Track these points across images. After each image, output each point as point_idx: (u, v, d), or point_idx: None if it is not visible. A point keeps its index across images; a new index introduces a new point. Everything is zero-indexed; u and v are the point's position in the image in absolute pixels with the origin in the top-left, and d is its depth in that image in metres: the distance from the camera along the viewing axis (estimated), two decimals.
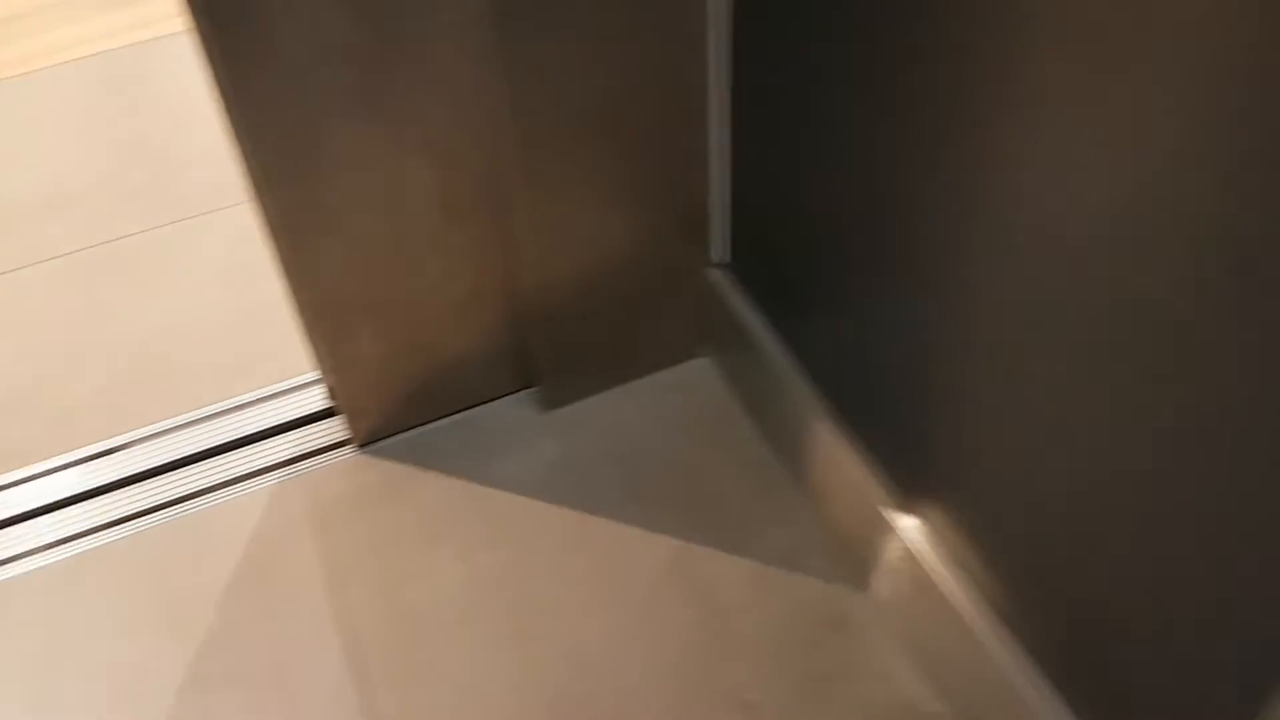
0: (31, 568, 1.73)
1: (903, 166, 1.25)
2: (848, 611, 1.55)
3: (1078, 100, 0.94)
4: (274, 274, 2.21)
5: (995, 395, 1.21)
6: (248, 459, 1.87)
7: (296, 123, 1.40)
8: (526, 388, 1.91)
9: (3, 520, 1.83)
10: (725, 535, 1.67)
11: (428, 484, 1.78)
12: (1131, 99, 0.87)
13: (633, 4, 1.42)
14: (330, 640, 1.59)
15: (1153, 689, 1.11)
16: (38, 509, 1.84)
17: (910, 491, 1.45)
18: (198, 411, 1.96)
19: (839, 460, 1.57)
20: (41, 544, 1.78)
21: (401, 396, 1.82)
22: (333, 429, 1.89)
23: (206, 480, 1.85)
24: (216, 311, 2.15)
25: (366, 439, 1.84)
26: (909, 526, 1.44)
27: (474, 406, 1.90)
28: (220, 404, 1.97)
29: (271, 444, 1.88)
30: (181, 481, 1.86)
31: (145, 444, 1.92)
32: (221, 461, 1.88)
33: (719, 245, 1.81)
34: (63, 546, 1.77)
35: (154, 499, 1.83)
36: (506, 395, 1.90)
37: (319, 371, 1.95)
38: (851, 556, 1.61)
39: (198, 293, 2.19)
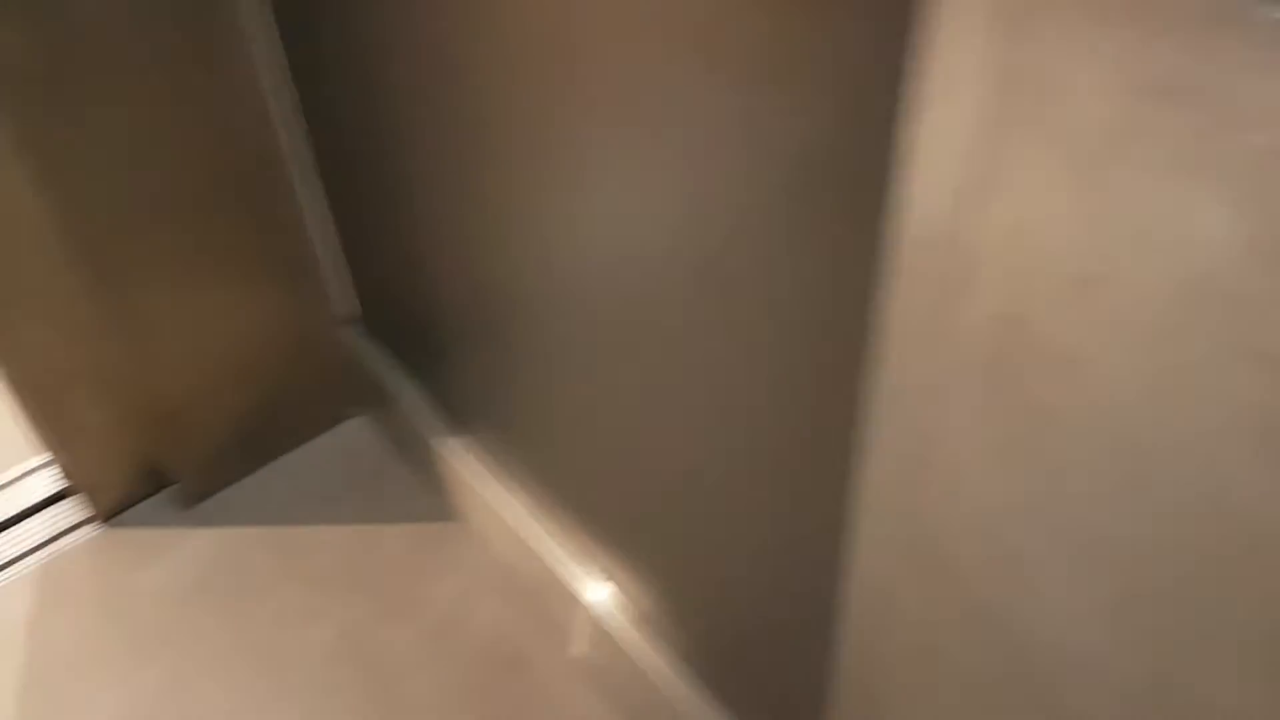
0: None
1: (472, 218, 1.26)
2: (523, 648, 1.56)
3: (603, 166, 0.97)
4: None
5: (612, 436, 1.25)
6: None
7: None
8: (165, 486, 1.79)
9: None
10: (393, 597, 1.63)
11: (75, 606, 1.64)
12: (641, 166, 0.92)
13: (174, 83, 1.36)
14: None
15: (782, 687, 1.18)
16: None
17: (558, 517, 1.47)
18: None
19: (493, 499, 1.57)
20: None
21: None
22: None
23: None
24: None
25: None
26: (559, 551, 1.46)
27: (116, 514, 1.77)
28: None
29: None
30: None
31: None
32: None
33: (344, 303, 1.77)
34: None
35: None
36: (146, 499, 1.78)
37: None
38: (521, 590, 1.61)
39: None
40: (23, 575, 1.71)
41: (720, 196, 0.85)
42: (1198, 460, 0.56)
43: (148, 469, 1.78)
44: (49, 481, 1.86)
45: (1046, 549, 0.68)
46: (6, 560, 1.73)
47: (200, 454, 1.73)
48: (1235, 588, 0.58)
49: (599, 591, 1.40)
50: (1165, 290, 0.53)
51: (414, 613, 1.62)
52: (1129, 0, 0.48)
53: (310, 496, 1.79)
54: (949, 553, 0.76)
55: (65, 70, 1.27)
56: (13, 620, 1.64)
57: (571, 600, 1.44)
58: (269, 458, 1.82)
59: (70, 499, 1.83)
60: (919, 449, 0.74)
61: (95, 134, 1.33)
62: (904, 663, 0.87)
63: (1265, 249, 0.48)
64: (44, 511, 1.82)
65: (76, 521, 1.82)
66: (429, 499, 1.75)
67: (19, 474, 1.86)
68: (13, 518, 1.80)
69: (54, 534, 1.78)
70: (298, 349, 1.74)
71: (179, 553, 1.72)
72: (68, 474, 1.74)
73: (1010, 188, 0.58)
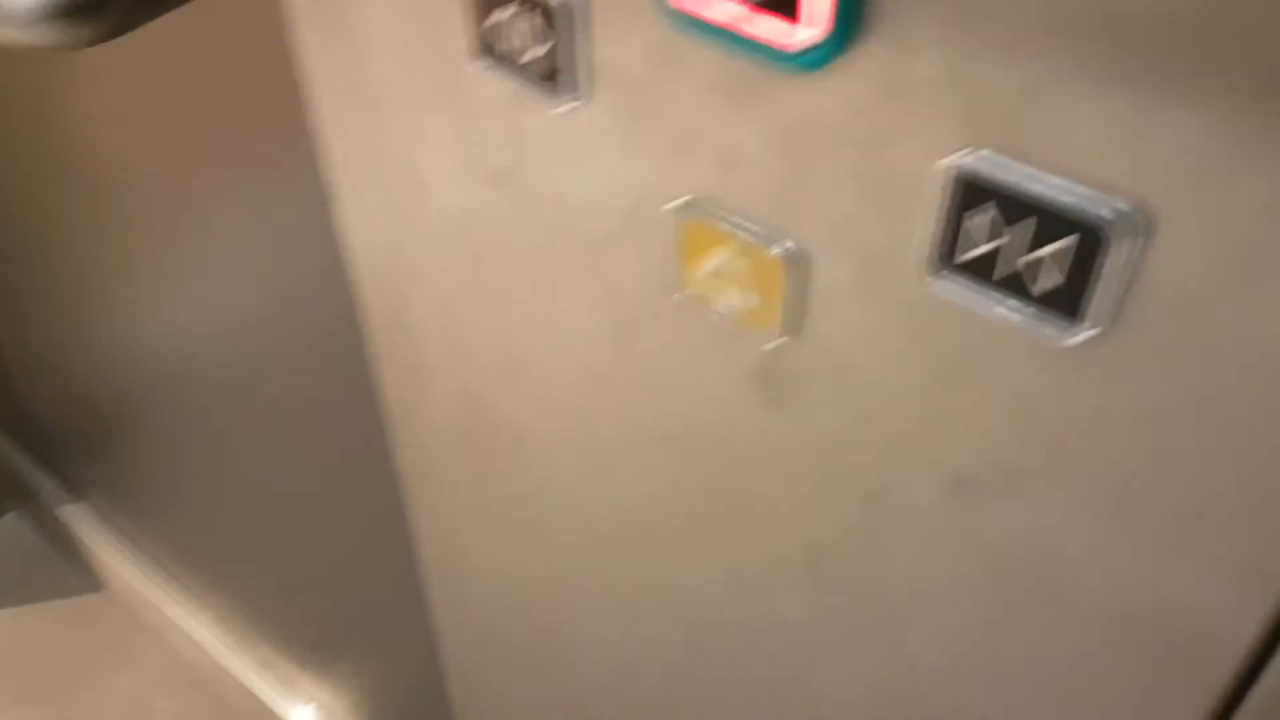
0: None
1: (89, 313, 1.19)
2: None
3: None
4: None
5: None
6: None
7: None
8: None
9: None
10: (63, 704, 1.52)
11: None
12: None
13: None
14: None
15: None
16: None
17: (216, 604, 1.41)
18: None
19: (148, 589, 1.49)
20: None
21: None
22: None
23: None
24: None
25: None
26: (226, 640, 1.41)
27: None
28: None
29: None
30: None
31: None
32: None
33: None
34: None
35: None
36: None
37: None
38: (195, 681, 1.54)
39: None
40: None
41: (241, 298, 0.86)
42: (634, 527, 0.59)
43: None
44: None
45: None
46: None
47: None
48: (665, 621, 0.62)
49: (262, 676, 1.36)
50: (575, 373, 0.56)
51: (93, 716, 1.52)
52: (455, 89, 0.50)
53: None
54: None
55: None
56: None
57: (244, 691, 1.39)
58: None
59: None
60: (444, 504, 0.75)
61: None
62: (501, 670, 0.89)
63: (616, 333, 0.51)
64: None
65: None
66: (100, 594, 1.65)
67: None
68: None
69: None
70: None
71: None
72: None
73: (429, 279, 0.60)
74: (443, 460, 0.70)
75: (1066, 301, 0.34)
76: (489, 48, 0.46)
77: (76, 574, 1.70)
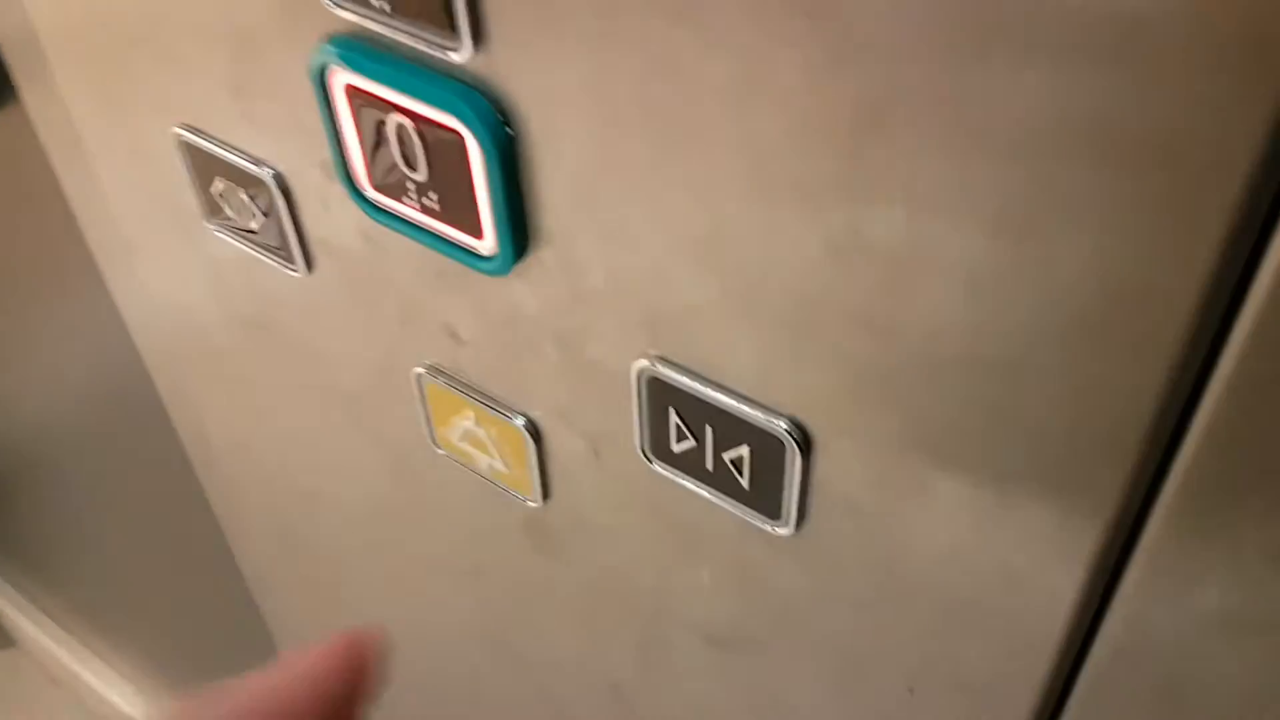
0: None
1: None
2: None
3: None
4: None
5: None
6: None
7: None
8: None
9: None
10: None
11: None
12: None
13: None
14: None
15: None
16: None
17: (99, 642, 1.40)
18: None
19: (57, 648, 1.48)
20: None
21: None
22: None
23: None
24: None
25: None
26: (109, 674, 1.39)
27: None
28: None
29: None
30: None
31: None
32: None
33: None
34: None
35: None
36: None
37: None
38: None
39: None
40: None
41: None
42: (448, 649, 0.59)
43: None
44: None
45: None
46: None
47: None
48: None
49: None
50: (366, 508, 0.55)
51: None
52: (198, 246, 0.48)
53: None
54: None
55: None
56: None
57: None
58: None
59: None
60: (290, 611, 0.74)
61: None
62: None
63: (396, 475, 0.50)
64: None
65: None
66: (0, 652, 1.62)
67: None
68: None
69: None
70: None
71: None
72: None
73: (218, 412, 0.58)
74: (276, 571, 0.69)
75: (765, 499, 0.34)
76: (218, 213, 0.44)
77: None
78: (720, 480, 0.35)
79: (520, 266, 0.34)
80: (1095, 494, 0.27)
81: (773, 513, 0.34)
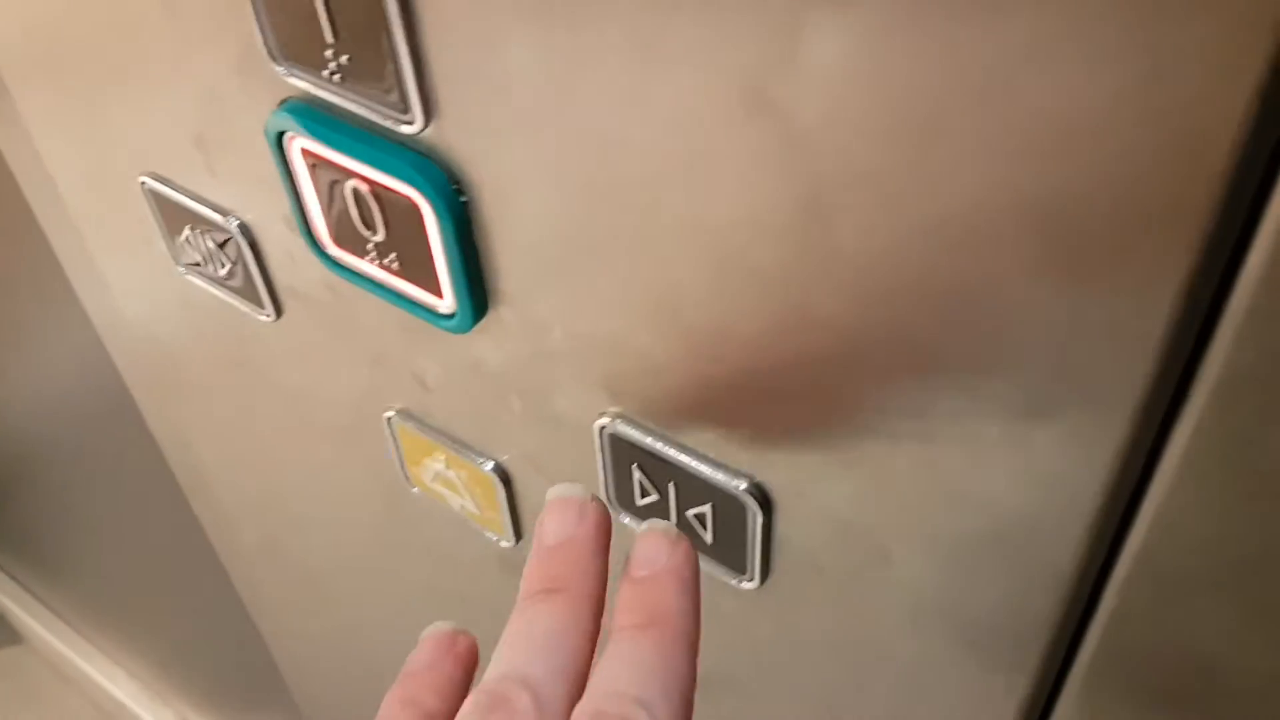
0: None
1: None
2: None
3: None
4: None
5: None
6: None
7: None
8: None
9: None
10: None
11: None
12: None
13: None
14: None
15: None
16: None
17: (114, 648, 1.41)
18: None
19: (64, 646, 1.49)
20: None
21: None
22: None
23: None
24: None
25: None
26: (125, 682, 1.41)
27: None
28: None
29: None
30: None
31: None
32: None
33: None
34: None
35: None
36: None
37: None
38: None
39: None
40: None
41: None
42: None
43: None
44: None
45: None
46: None
47: None
48: None
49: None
50: (356, 532, 0.55)
51: None
52: (173, 288, 0.48)
53: None
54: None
55: None
56: None
57: None
58: None
59: None
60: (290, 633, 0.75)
61: None
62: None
63: (386, 502, 0.50)
64: None
65: None
66: (7, 650, 1.64)
67: None
68: None
69: None
70: None
71: None
72: None
73: (209, 441, 0.58)
74: (268, 590, 0.70)
75: (730, 554, 0.34)
76: (187, 259, 0.44)
77: None
78: (689, 534, 0.35)
79: (482, 324, 0.34)
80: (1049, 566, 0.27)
81: (738, 567, 0.34)
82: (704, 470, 0.32)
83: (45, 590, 1.52)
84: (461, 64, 0.28)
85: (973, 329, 0.24)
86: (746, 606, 0.36)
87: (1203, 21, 0.18)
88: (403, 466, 0.45)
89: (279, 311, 0.42)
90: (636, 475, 0.35)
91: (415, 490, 0.45)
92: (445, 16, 0.27)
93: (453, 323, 0.34)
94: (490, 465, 0.40)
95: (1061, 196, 0.21)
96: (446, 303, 0.34)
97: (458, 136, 0.30)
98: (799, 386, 0.28)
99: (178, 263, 0.45)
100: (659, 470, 0.34)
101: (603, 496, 0.36)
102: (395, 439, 0.43)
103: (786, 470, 0.31)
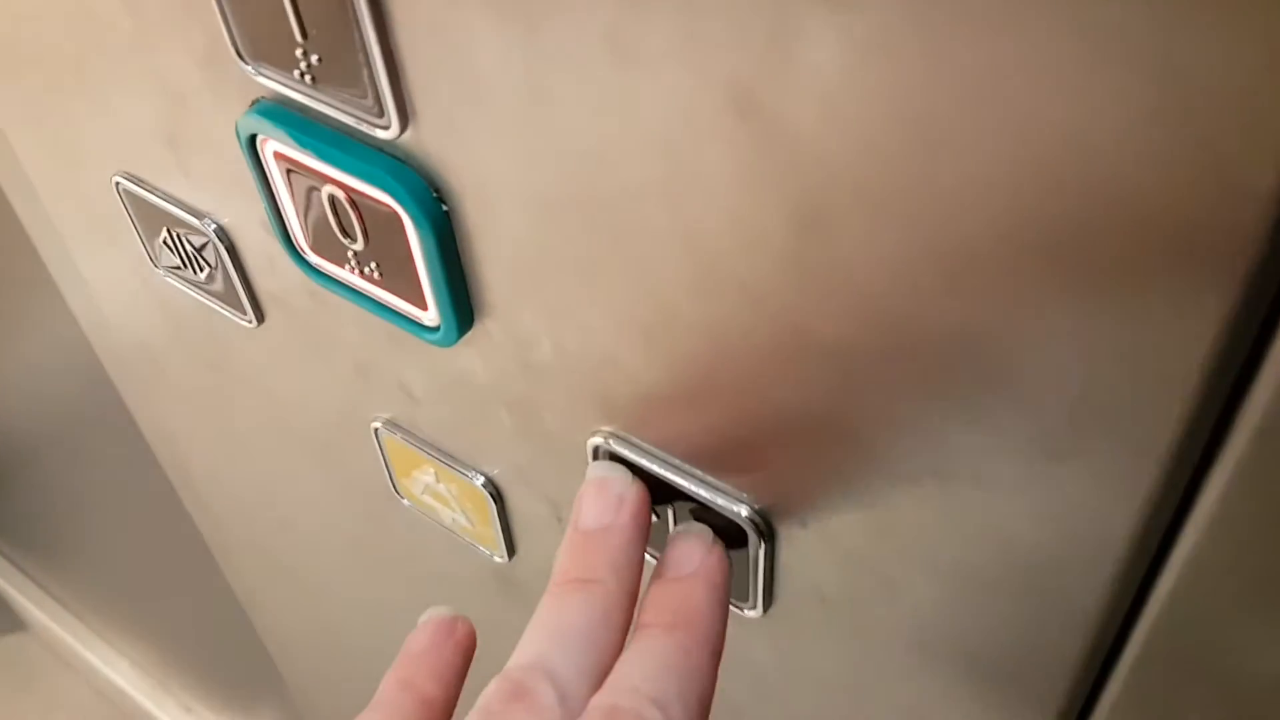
0: None
1: None
2: None
3: None
4: None
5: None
6: None
7: None
8: None
9: None
10: None
11: None
12: None
13: None
14: None
15: None
16: None
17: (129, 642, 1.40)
18: None
19: (67, 634, 1.48)
20: None
21: None
22: None
23: None
24: None
25: None
26: (139, 681, 1.40)
27: None
28: None
29: None
30: None
31: None
32: None
33: None
34: None
35: None
36: None
37: None
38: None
39: None
40: None
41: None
42: None
43: None
44: None
45: None
46: None
47: None
48: None
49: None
50: (341, 538, 0.53)
51: None
52: (151, 292, 0.46)
53: None
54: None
55: None
56: None
57: None
58: None
59: None
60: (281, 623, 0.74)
61: None
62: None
63: (368, 514, 0.49)
64: None
65: None
66: (10, 636, 1.63)
67: None
68: None
69: None
70: None
71: None
72: None
73: (195, 447, 0.56)
74: (261, 589, 0.68)
75: (733, 582, 0.32)
76: (166, 261, 0.42)
77: None
78: None
79: (468, 336, 0.32)
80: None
81: (741, 595, 0.32)
82: (703, 494, 0.30)
83: (48, 577, 1.51)
84: (437, 65, 0.26)
85: (987, 359, 0.22)
86: (750, 635, 0.34)
87: (1246, 34, 0.16)
88: (392, 478, 0.43)
89: (260, 317, 0.41)
90: None
91: (406, 502, 0.44)
92: (417, 15, 0.25)
93: (437, 336, 0.32)
94: (481, 480, 0.39)
95: (1088, 217, 0.19)
96: (430, 315, 0.32)
97: (437, 142, 0.28)
98: (800, 412, 0.26)
99: (156, 265, 0.43)
100: (656, 492, 0.32)
101: None
102: (383, 450, 0.42)
103: (789, 497, 0.29)
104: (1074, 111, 0.17)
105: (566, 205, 0.26)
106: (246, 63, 0.29)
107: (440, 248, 0.29)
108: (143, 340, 0.50)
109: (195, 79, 0.32)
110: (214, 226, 0.38)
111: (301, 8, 0.26)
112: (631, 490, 0.29)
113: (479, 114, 0.26)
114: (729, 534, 0.31)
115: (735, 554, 0.31)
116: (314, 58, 0.27)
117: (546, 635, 0.26)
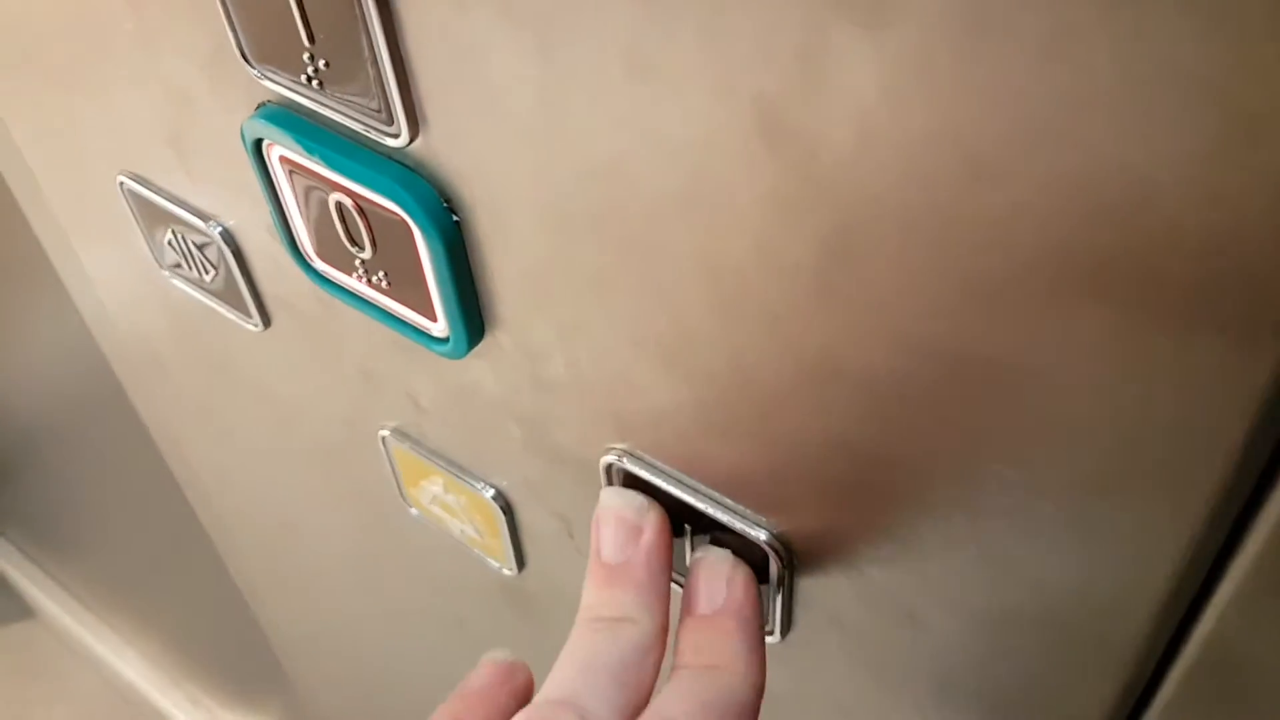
0: None
1: None
2: None
3: None
4: None
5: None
6: None
7: None
8: None
9: None
10: None
11: None
12: None
13: None
14: None
15: None
16: None
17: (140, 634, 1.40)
18: None
19: (76, 623, 1.48)
20: None
21: None
22: None
23: None
24: None
25: None
26: (150, 673, 1.40)
27: None
28: None
29: None
30: None
31: None
32: None
33: None
34: None
35: None
36: None
37: None
38: (132, 715, 1.54)
39: None
40: None
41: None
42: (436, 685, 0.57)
43: None
44: None
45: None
46: None
47: None
48: None
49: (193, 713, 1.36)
50: (346, 546, 0.53)
51: None
52: (156, 291, 0.45)
53: None
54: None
55: None
56: None
57: None
58: None
59: None
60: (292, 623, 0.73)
61: None
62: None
63: (376, 523, 0.48)
64: None
65: None
66: (18, 624, 1.64)
67: None
68: None
69: None
70: None
71: None
72: None
73: (195, 450, 0.56)
74: (263, 580, 0.68)
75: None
76: (171, 262, 0.41)
77: (5, 602, 1.68)
78: None
79: (478, 349, 0.31)
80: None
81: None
82: (721, 517, 0.29)
83: (57, 567, 1.51)
84: (449, 72, 0.24)
85: (1028, 394, 0.21)
86: (766, 659, 0.33)
87: None
88: (400, 487, 0.42)
89: (266, 321, 0.40)
90: None
91: (414, 511, 0.43)
92: (428, 20, 0.24)
93: (446, 348, 0.31)
94: (491, 492, 0.38)
95: (1141, 251, 0.18)
96: (440, 326, 0.31)
97: (448, 151, 0.26)
98: (825, 439, 0.25)
99: (160, 265, 0.42)
100: (672, 512, 0.31)
101: None
102: (391, 459, 0.41)
103: (810, 524, 0.28)
104: (1130, 143, 0.16)
105: (582, 220, 0.25)
106: (252, 66, 0.28)
107: (450, 259, 0.28)
108: (148, 340, 0.50)
109: (200, 80, 0.31)
110: (220, 229, 0.37)
111: (309, 11, 0.25)
112: (649, 518, 0.29)
113: (492, 123, 0.25)
114: (747, 557, 0.30)
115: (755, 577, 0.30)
116: (321, 62, 0.26)
117: (578, 671, 0.26)
